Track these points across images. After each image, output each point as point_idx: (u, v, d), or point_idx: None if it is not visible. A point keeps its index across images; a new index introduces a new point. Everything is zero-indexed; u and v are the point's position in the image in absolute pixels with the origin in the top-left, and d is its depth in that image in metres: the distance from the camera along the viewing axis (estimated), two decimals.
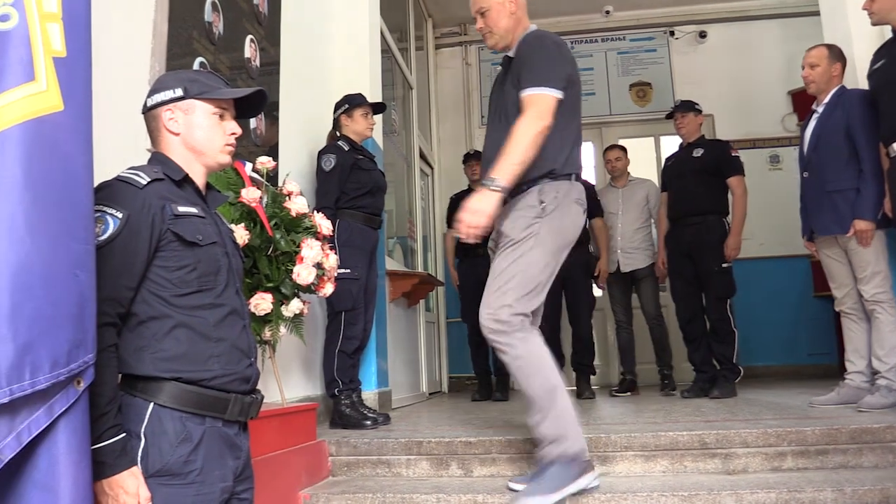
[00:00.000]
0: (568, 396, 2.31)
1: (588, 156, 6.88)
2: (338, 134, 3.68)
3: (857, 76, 3.74)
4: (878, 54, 3.32)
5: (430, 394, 5.59)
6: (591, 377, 5.00)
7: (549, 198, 2.37)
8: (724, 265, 4.30)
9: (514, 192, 2.41)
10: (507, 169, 2.28)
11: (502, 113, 2.50)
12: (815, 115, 3.59)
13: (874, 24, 3.37)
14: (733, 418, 3.16)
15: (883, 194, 3.29)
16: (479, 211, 2.23)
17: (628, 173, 5.22)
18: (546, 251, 2.34)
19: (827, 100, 3.54)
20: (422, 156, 6.30)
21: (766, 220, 5.99)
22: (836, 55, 3.56)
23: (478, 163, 5.02)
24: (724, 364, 4.30)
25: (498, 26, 2.52)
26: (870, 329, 3.40)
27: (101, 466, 1.23)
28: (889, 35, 3.27)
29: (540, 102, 2.34)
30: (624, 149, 5.25)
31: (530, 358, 2.28)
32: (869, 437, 2.61)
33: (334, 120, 3.71)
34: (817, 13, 4.46)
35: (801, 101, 5.91)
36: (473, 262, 4.96)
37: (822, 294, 5.71)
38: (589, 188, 5.10)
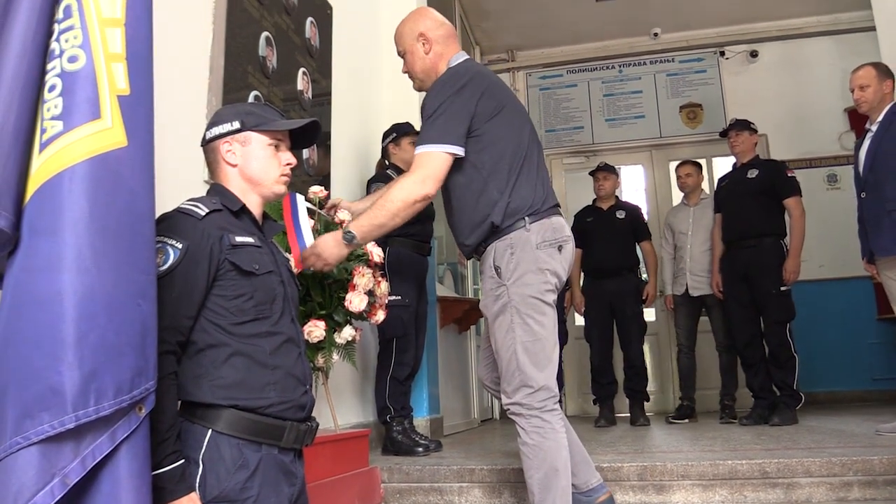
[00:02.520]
0: (569, 499, 2.06)
1: (638, 179, 6.82)
2: (386, 163, 3.73)
3: None
4: None
5: (481, 420, 5.55)
6: (646, 403, 4.89)
7: (503, 260, 2.13)
8: (783, 288, 4.20)
9: (476, 250, 2.24)
10: (368, 231, 2.10)
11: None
12: (870, 135, 3.53)
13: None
14: (795, 446, 3.06)
15: None
16: (322, 258, 2.10)
17: (702, 190, 5.08)
18: (529, 313, 2.10)
19: (880, 118, 3.48)
20: None
21: (826, 242, 5.82)
22: (885, 72, 3.52)
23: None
24: (784, 390, 4.18)
25: (415, 70, 2.32)
26: None
27: (161, 492, 1.25)
28: None
29: (428, 163, 2.09)
30: (697, 164, 5.11)
31: (538, 451, 2.07)
32: None
33: (383, 149, 3.75)
34: (872, 28, 4.40)
35: (859, 119, 5.72)
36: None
37: (887, 317, 5.50)
38: (633, 210, 5.06)
